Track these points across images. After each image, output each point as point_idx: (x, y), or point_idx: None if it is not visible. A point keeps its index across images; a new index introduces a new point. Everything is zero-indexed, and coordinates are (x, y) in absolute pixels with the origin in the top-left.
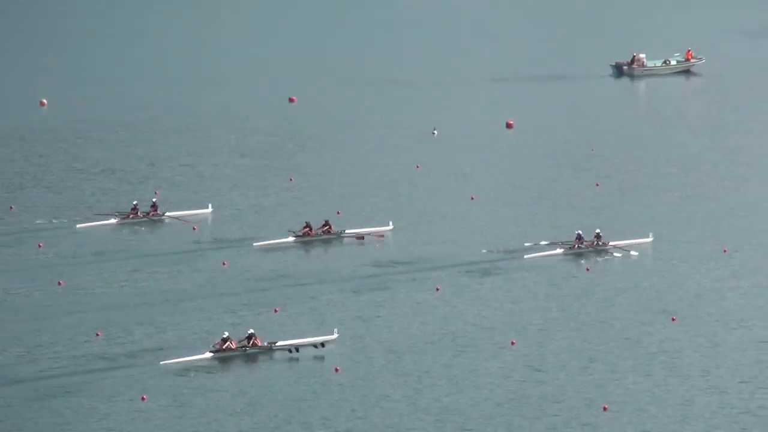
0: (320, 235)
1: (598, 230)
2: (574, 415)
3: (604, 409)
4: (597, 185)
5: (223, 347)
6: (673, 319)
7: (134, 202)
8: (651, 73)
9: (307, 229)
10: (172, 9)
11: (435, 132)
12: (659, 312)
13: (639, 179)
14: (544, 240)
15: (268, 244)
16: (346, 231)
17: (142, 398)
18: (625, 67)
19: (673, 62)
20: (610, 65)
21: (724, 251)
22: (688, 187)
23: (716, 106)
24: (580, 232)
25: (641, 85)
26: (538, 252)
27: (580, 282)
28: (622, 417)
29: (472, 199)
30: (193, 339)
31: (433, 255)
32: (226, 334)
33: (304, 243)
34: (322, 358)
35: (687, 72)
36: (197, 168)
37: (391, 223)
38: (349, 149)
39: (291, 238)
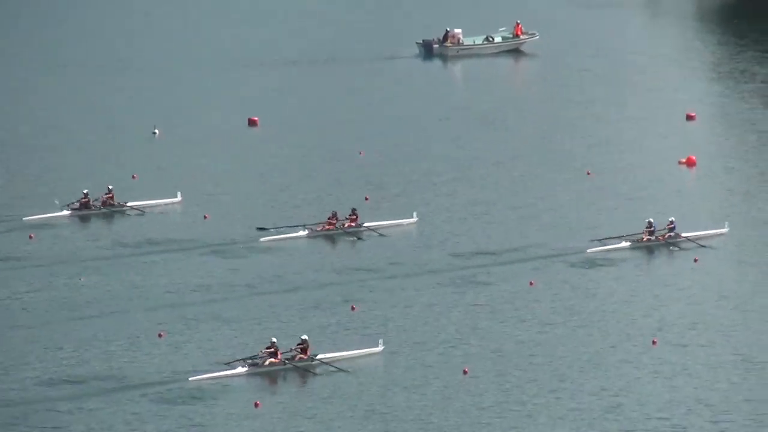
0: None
1: (672, 219)
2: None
3: None
4: (366, 199)
5: (268, 359)
6: None
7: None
8: (469, 53)
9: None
10: None
11: (156, 131)
12: None
13: (413, 189)
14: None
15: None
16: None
17: None
18: (436, 46)
19: (498, 39)
20: (417, 43)
21: (530, 284)
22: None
23: (542, 95)
24: (651, 220)
25: (456, 67)
26: (603, 246)
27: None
28: None
29: (205, 218)
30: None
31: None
32: (274, 339)
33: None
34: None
35: (516, 51)
36: None
37: (414, 214)
38: (44, 152)
39: (303, 232)
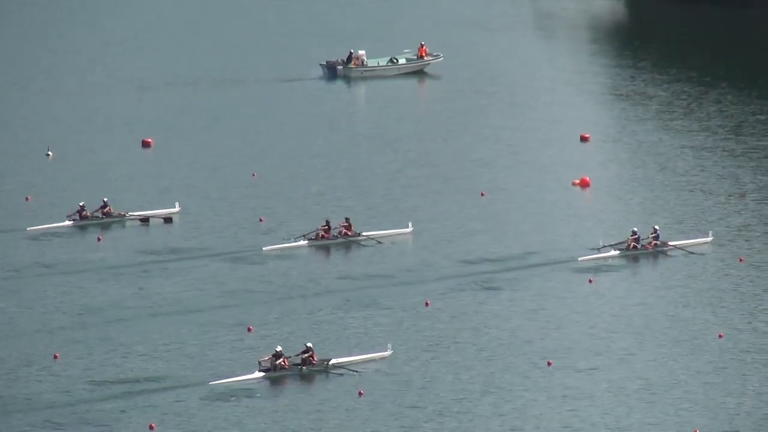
0: (337, 237)
1: (656, 227)
2: None
3: None
4: (261, 220)
5: (275, 364)
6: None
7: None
8: (374, 75)
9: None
10: None
11: (50, 153)
12: None
13: (309, 210)
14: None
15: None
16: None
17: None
18: (340, 68)
19: (402, 60)
20: (321, 65)
21: (426, 304)
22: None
23: (441, 116)
24: (636, 229)
25: (360, 89)
26: (594, 254)
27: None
28: None
29: (98, 240)
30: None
31: None
32: (279, 348)
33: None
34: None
35: (420, 72)
36: None
37: (410, 224)
38: None
39: (304, 242)
